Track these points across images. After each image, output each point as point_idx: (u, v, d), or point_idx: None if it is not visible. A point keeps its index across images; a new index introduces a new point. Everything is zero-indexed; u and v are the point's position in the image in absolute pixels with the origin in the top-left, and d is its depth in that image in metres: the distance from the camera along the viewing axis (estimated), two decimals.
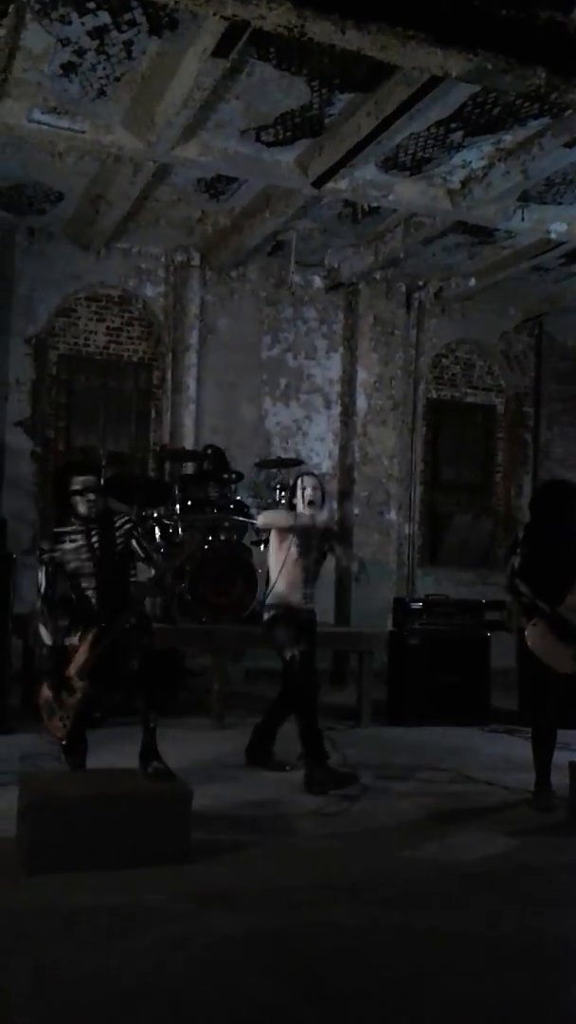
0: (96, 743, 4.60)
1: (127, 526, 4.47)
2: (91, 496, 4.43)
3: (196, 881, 3.58)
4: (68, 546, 4.42)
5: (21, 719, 6.15)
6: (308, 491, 5.16)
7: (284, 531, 5.15)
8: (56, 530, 4.56)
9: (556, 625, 4.68)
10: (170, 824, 3.74)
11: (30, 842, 3.58)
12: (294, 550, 5.12)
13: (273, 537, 5.26)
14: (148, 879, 3.54)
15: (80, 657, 4.27)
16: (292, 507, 5.24)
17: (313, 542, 5.19)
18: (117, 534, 4.45)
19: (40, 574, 4.47)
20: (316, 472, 5.69)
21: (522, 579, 4.78)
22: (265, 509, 7.71)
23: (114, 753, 4.70)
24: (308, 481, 5.22)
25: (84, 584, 4.42)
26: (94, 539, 4.42)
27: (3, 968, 2.82)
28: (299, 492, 5.18)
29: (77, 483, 4.45)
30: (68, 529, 4.48)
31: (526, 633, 4.76)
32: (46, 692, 4.40)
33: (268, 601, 5.22)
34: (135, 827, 3.67)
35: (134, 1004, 2.62)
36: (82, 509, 4.43)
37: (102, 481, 7.44)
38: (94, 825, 3.63)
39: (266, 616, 5.22)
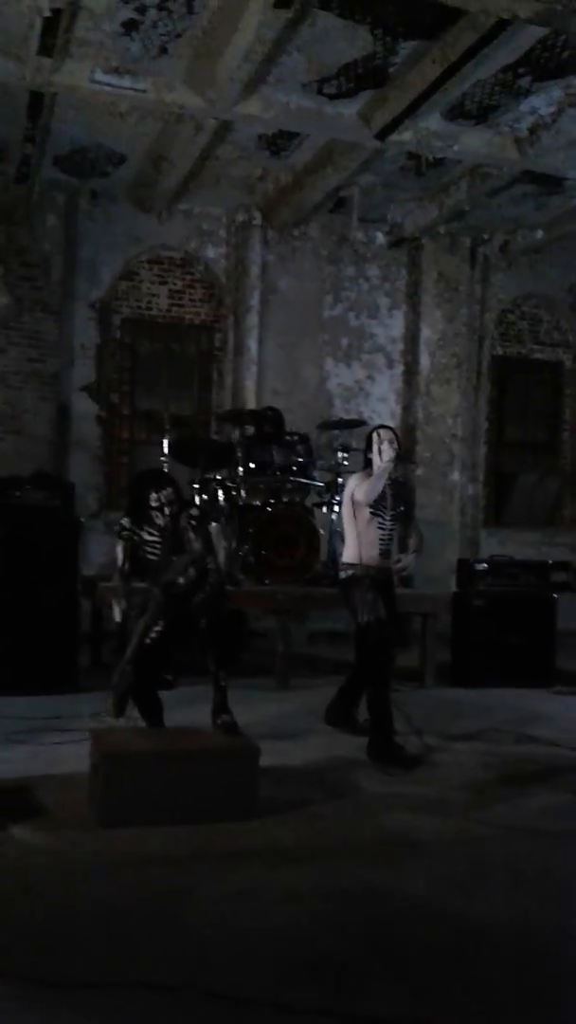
0: (171, 704, 4.67)
1: (188, 521, 4.43)
2: (167, 510, 4.40)
3: (263, 836, 3.64)
4: (144, 536, 4.44)
5: (91, 677, 6.29)
6: (385, 444, 5.03)
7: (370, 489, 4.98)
8: (136, 514, 4.52)
9: None
10: (238, 779, 3.81)
11: (103, 795, 3.68)
12: (368, 509, 5.00)
13: (346, 494, 5.14)
14: (217, 833, 3.61)
15: (133, 641, 4.28)
16: (368, 462, 5.10)
17: (389, 499, 5.05)
18: (179, 527, 4.44)
19: (118, 548, 4.48)
20: (391, 425, 5.54)
21: None
22: (326, 470, 7.71)
23: (188, 712, 4.77)
24: (385, 435, 5.08)
25: (148, 550, 4.45)
26: (166, 537, 4.44)
27: (75, 915, 2.92)
28: (376, 446, 5.08)
29: (154, 500, 4.40)
30: (148, 527, 4.46)
31: None
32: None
33: (344, 559, 5.13)
34: (204, 782, 3.74)
35: (204, 953, 2.69)
36: (160, 522, 4.41)
37: (165, 444, 7.54)
38: (164, 779, 3.71)
39: (342, 575, 5.13)
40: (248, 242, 9.45)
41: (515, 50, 6.12)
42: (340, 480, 7.65)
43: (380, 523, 5.01)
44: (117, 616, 4.49)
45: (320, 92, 6.82)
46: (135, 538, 4.45)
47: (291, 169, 8.44)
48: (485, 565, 7.37)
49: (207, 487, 7.16)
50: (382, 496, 5.01)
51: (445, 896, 3.17)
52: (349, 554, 5.07)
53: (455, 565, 7.72)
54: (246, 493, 7.21)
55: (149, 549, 4.45)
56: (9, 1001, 2.40)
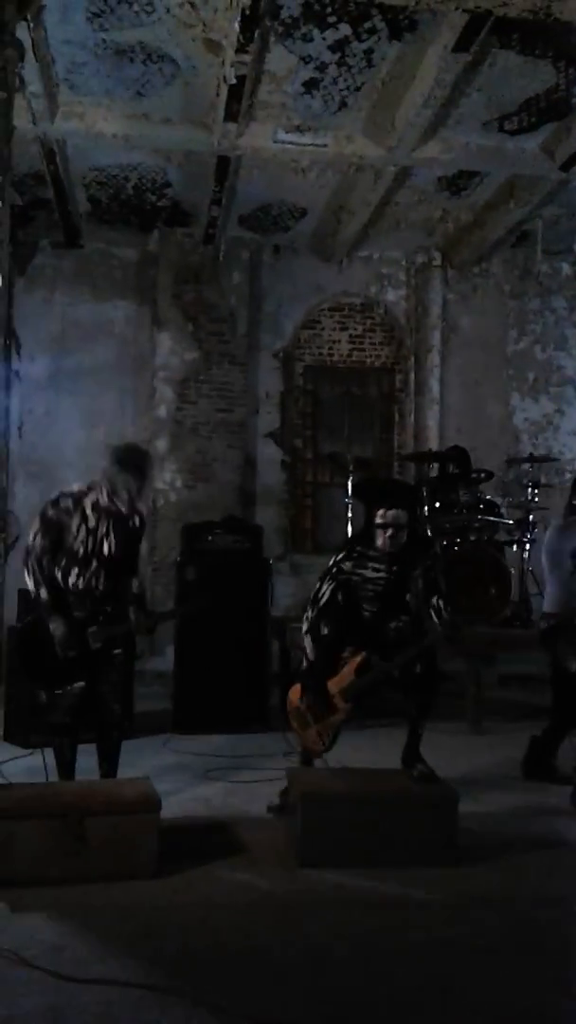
0: (353, 742, 4.62)
1: (426, 571, 4.28)
2: (393, 533, 4.10)
3: (466, 884, 3.52)
4: (368, 573, 4.17)
5: (280, 717, 6.36)
6: None
7: None
8: (358, 549, 4.23)
9: None
10: (437, 825, 3.72)
11: (301, 834, 3.68)
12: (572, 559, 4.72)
13: (552, 532, 4.92)
14: (417, 879, 3.53)
15: (346, 679, 4.08)
16: (573, 508, 4.88)
17: None
18: (415, 574, 4.27)
19: (325, 586, 4.20)
20: None
21: None
22: (515, 507, 7.50)
23: (371, 752, 4.73)
24: None
25: (365, 606, 4.20)
26: (393, 572, 4.17)
27: (282, 953, 2.91)
28: None
29: (382, 517, 4.11)
30: (372, 554, 4.18)
31: None
32: (298, 702, 4.24)
33: (545, 607, 4.90)
34: (402, 826, 3.68)
35: (408, 999, 2.61)
36: (379, 543, 4.13)
37: (349, 486, 7.60)
38: (363, 821, 3.68)
39: (543, 624, 4.91)
40: (428, 283, 9.46)
41: None
42: (531, 517, 7.43)
43: None
44: (311, 654, 4.20)
45: (501, 129, 6.77)
46: (352, 580, 4.14)
47: (471, 207, 8.40)
48: None
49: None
50: None
51: None
52: (551, 598, 4.85)
53: None
54: (431, 532, 7.12)
55: (366, 582, 4.14)
56: None
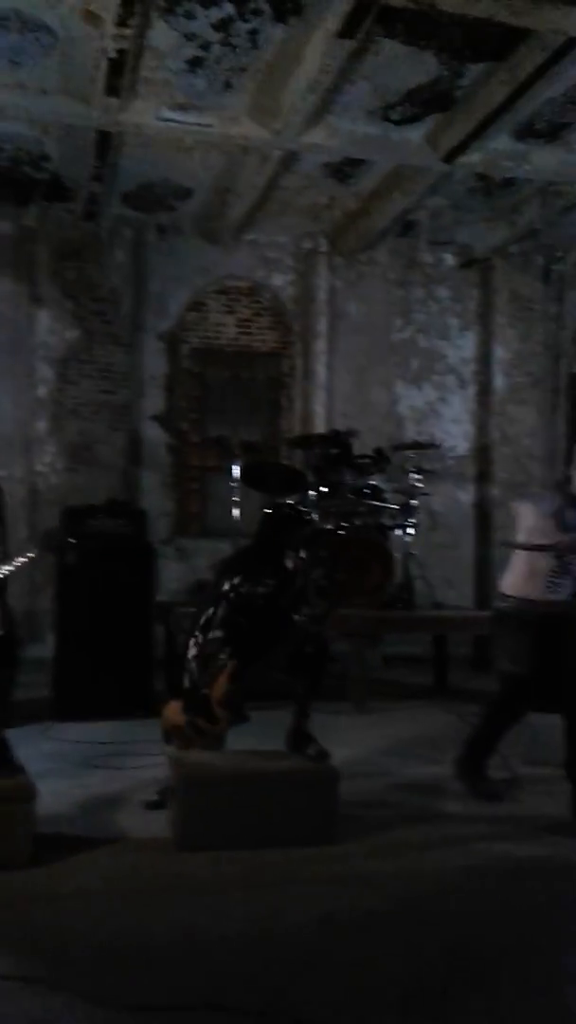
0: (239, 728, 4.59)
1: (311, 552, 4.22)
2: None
3: (345, 862, 3.58)
4: (260, 589, 4.16)
5: (166, 703, 6.30)
6: None
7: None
8: (249, 566, 4.26)
9: None
10: (318, 804, 3.76)
11: (182, 818, 3.67)
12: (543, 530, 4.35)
13: (532, 521, 4.52)
14: (297, 858, 3.56)
15: (221, 687, 4.00)
16: (567, 480, 4.51)
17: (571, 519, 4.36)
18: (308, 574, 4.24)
19: (220, 611, 4.15)
20: None
21: None
22: (398, 492, 7.65)
23: (253, 736, 4.72)
24: None
25: (253, 619, 4.14)
26: (284, 584, 4.17)
27: (158, 937, 2.90)
28: None
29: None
30: (263, 569, 4.20)
31: None
32: (176, 717, 4.15)
33: (502, 590, 4.58)
34: (283, 806, 3.71)
35: (287, 977, 2.64)
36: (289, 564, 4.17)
37: (235, 470, 7.58)
38: (243, 803, 3.68)
39: (495, 609, 4.65)
40: (315, 269, 9.51)
41: None
42: (413, 502, 7.59)
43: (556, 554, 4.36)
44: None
45: (386, 118, 6.85)
46: (247, 598, 4.12)
47: (357, 195, 8.48)
48: None
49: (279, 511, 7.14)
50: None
51: (532, 923, 3.06)
52: (507, 583, 4.54)
53: None
54: (318, 517, 7.18)
55: (260, 603, 4.12)
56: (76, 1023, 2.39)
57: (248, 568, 4.22)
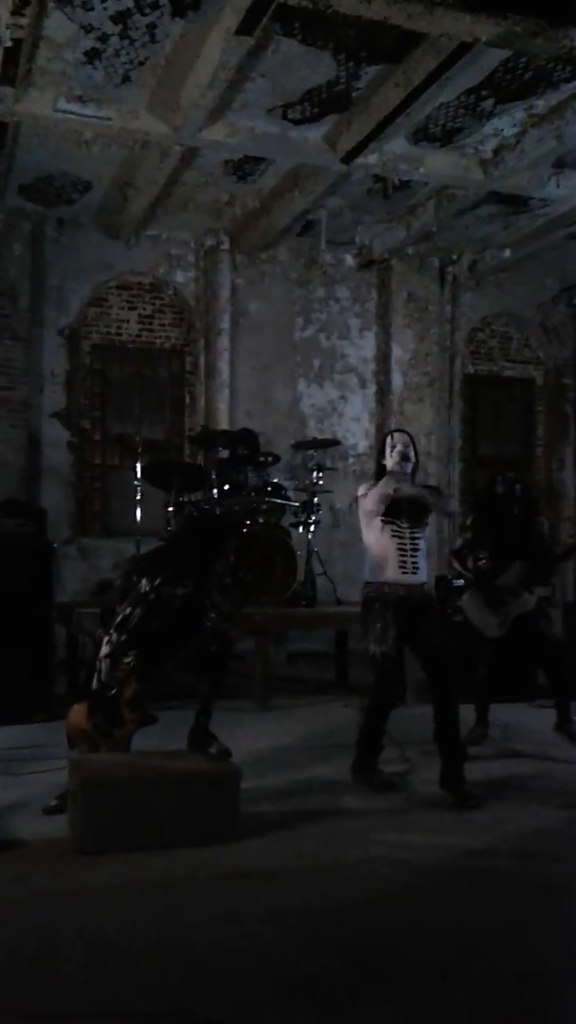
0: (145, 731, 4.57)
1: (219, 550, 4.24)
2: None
3: (248, 859, 3.59)
4: (178, 591, 4.13)
5: (68, 705, 6.17)
6: (399, 447, 4.83)
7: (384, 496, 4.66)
8: (164, 567, 4.18)
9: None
10: (220, 803, 3.75)
11: (82, 822, 3.61)
12: (383, 516, 4.64)
13: (361, 505, 4.83)
14: (200, 857, 3.55)
15: (128, 688, 3.99)
16: (382, 468, 4.88)
17: (405, 503, 4.71)
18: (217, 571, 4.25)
19: (136, 610, 4.10)
20: (406, 430, 5.35)
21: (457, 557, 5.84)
22: (301, 490, 7.71)
23: (158, 736, 4.70)
24: (398, 438, 4.90)
25: (167, 621, 4.12)
26: (199, 582, 4.17)
27: (60, 943, 2.85)
28: (389, 450, 4.88)
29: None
30: (179, 568, 4.16)
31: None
32: (82, 721, 4.08)
33: (365, 577, 4.74)
34: (185, 806, 3.69)
35: (191, 978, 2.63)
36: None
37: (138, 469, 7.51)
38: (144, 804, 3.65)
39: (362, 595, 4.76)
40: (217, 266, 9.49)
41: (477, 73, 6.22)
42: (315, 500, 7.67)
43: (399, 529, 4.66)
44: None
45: (285, 117, 6.89)
46: (163, 599, 4.09)
47: (258, 194, 8.50)
48: (462, 582, 7.35)
49: (182, 510, 7.12)
50: (397, 504, 4.69)
51: (434, 914, 3.14)
52: (367, 569, 4.72)
53: (433, 582, 7.71)
54: (221, 514, 7.17)
55: (176, 604, 4.07)
56: None
57: (168, 568, 4.17)
